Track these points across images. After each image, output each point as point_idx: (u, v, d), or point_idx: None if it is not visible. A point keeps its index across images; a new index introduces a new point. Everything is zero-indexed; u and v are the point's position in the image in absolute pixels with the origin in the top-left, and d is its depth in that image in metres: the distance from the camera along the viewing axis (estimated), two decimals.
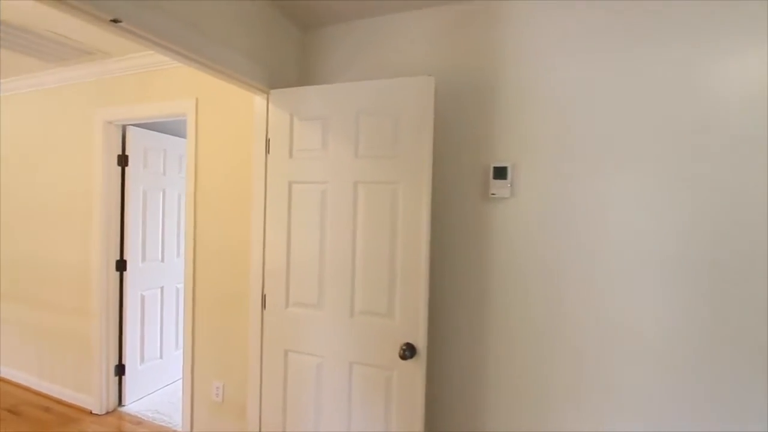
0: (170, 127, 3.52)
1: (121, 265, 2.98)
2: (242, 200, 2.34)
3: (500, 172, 1.75)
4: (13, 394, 3.14)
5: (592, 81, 1.62)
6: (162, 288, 3.30)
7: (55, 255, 3.13)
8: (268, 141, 1.94)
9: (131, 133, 2.97)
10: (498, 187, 1.75)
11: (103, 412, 2.90)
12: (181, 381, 3.36)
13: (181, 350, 3.49)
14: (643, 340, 1.55)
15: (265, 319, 1.94)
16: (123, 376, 3.02)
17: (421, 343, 1.63)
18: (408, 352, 1.61)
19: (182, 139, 3.43)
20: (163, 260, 3.29)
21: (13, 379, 3.35)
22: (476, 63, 1.81)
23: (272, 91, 1.92)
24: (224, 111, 2.40)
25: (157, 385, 3.26)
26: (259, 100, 1.98)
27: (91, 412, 2.90)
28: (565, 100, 1.67)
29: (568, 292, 1.66)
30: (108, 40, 2.42)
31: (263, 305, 1.95)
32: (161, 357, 3.31)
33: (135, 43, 1.57)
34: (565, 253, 1.66)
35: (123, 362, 3.01)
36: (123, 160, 2.96)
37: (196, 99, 2.48)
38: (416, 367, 1.63)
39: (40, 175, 3.19)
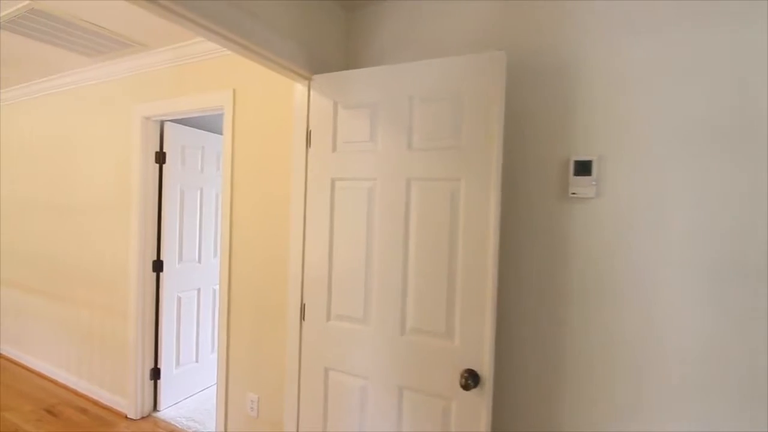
0: (208, 124, 3.42)
1: (157, 266, 2.89)
2: (280, 199, 2.16)
3: (583, 167, 1.45)
4: (53, 392, 3.13)
5: (697, 60, 1.30)
6: (198, 290, 3.20)
7: (94, 254, 3.08)
8: (309, 133, 1.74)
9: (169, 129, 2.87)
10: (580, 185, 1.46)
11: (138, 417, 2.81)
12: (215, 386, 3.25)
13: (217, 352, 3.38)
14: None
15: (303, 332, 1.74)
16: (158, 381, 2.92)
17: (486, 371, 1.37)
18: (471, 380, 1.35)
19: (220, 136, 3.31)
20: (199, 261, 3.19)
21: (54, 377, 3.35)
22: (553, 38, 1.53)
23: (314, 77, 1.71)
24: (262, 102, 2.23)
25: (192, 390, 3.16)
26: (299, 88, 1.78)
27: (126, 417, 2.82)
28: (667, 81, 1.35)
29: (664, 310, 1.35)
30: (145, 30, 2.31)
31: (302, 316, 1.75)
32: (197, 360, 3.21)
33: (174, 24, 1.41)
34: (659, 265, 1.35)
35: (158, 366, 2.92)
36: (160, 158, 2.87)
37: (233, 90, 2.32)
38: (480, 399, 1.37)
39: (81, 173, 3.16)
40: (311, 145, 1.73)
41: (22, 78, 3.29)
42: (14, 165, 3.75)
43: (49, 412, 2.83)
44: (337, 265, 1.66)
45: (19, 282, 3.69)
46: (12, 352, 3.77)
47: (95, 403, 3.00)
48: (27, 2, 1.94)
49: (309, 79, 1.73)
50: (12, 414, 2.77)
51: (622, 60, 1.42)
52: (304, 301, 1.75)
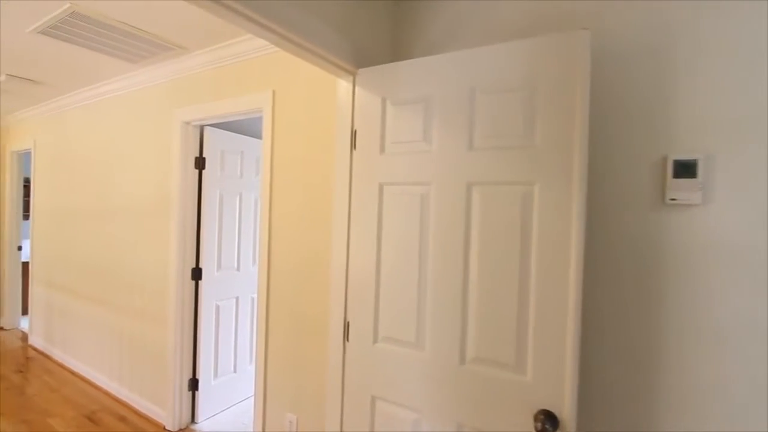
0: (247, 128, 3.35)
1: (196, 274, 2.82)
2: (322, 206, 2.01)
3: (686, 169, 1.20)
4: (95, 398, 3.13)
5: None
6: (237, 298, 3.11)
7: (135, 261, 3.07)
8: (353, 133, 1.57)
9: (208, 134, 2.81)
10: (681, 189, 1.20)
11: (176, 429, 2.73)
12: (253, 399, 3.15)
13: (254, 368, 3.29)
14: None
15: (347, 354, 1.56)
16: (196, 392, 2.85)
17: (567, 414, 1.13)
18: (548, 424, 1.12)
19: (259, 141, 3.23)
20: (238, 269, 3.10)
21: (97, 382, 3.37)
22: (643, 13, 1.29)
23: (360, 71, 1.55)
24: (303, 103, 2.09)
25: (229, 402, 3.07)
26: (343, 85, 1.62)
27: (164, 428, 2.76)
28: None
29: None
30: (184, 32, 2.24)
31: (345, 336, 1.58)
32: (235, 371, 3.12)
33: (229, 23, 1.29)
34: None
35: (197, 376, 2.84)
36: (200, 163, 2.81)
37: (273, 92, 2.21)
38: None
39: (124, 180, 3.17)
40: (356, 147, 1.56)
41: (72, 86, 3.35)
42: (66, 173, 3.84)
43: (89, 419, 2.81)
44: (385, 281, 1.47)
45: (70, 286, 3.76)
46: (60, 356, 3.85)
47: (135, 411, 2.96)
48: (68, 5, 1.90)
49: (354, 74, 1.57)
50: (55, 420, 2.77)
51: (741, 32, 1.16)
52: (347, 319, 1.58)
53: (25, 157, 4.89)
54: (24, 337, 4.54)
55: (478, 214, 1.28)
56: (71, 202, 3.76)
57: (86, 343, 3.53)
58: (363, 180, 1.53)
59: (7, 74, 3.07)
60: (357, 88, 1.57)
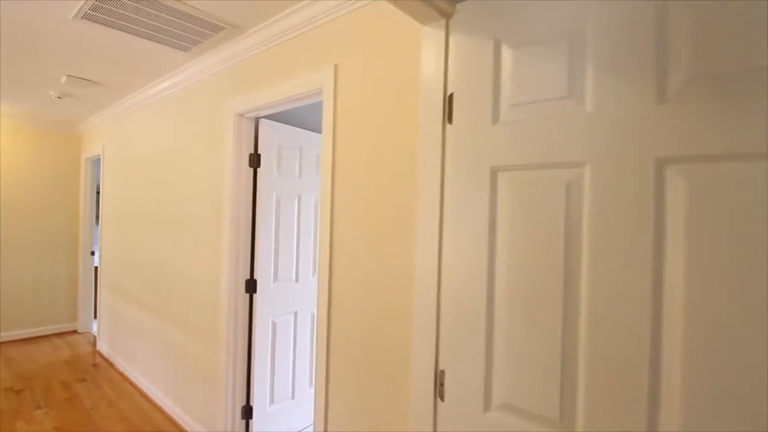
0: (305, 122, 2.99)
1: (251, 286, 2.49)
2: (401, 205, 1.55)
3: None
4: (149, 416, 2.91)
5: None
6: (295, 313, 2.75)
7: (188, 270, 2.81)
8: (448, 100, 1.10)
9: (264, 127, 2.48)
10: None
11: None
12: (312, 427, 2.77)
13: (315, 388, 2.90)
14: None
15: (442, 421, 1.08)
16: (251, 420, 2.51)
17: None
18: None
19: (320, 135, 2.87)
20: (297, 280, 2.74)
21: (153, 397, 3.17)
22: None
23: (461, 6, 1.07)
24: (372, 75, 1.65)
25: (288, 430, 2.70)
26: (432, 36, 1.15)
27: None
28: None
29: None
30: (236, 7, 1.91)
31: (437, 392, 1.09)
32: (293, 396, 2.75)
33: None
34: None
35: (251, 403, 2.50)
36: (255, 160, 2.48)
37: (335, 66, 1.79)
38: None
39: (176, 182, 2.94)
40: (452, 120, 1.09)
41: (129, 85, 3.21)
42: (126, 177, 3.75)
43: None
44: (502, 310, 0.97)
45: (130, 293, 3.65)
46: (122, 364, 3.75)
47: None
48: None
49: (449, 15, 1.09)
50: None
51: None
52: (440, 366, 1.09)
53: (96, 164, 4.98)
54: (93, 342, 4.56)
55: (682, 214, 0.75)
56: (130, 207, 3.65)
57: (144, 354, 3.37)
58: (463, 165, 1.05)
59: (67, 75, 2.98)
60: (453, 36, 1.09)
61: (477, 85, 1.03)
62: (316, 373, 1.85)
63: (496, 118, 1.00)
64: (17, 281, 4.57)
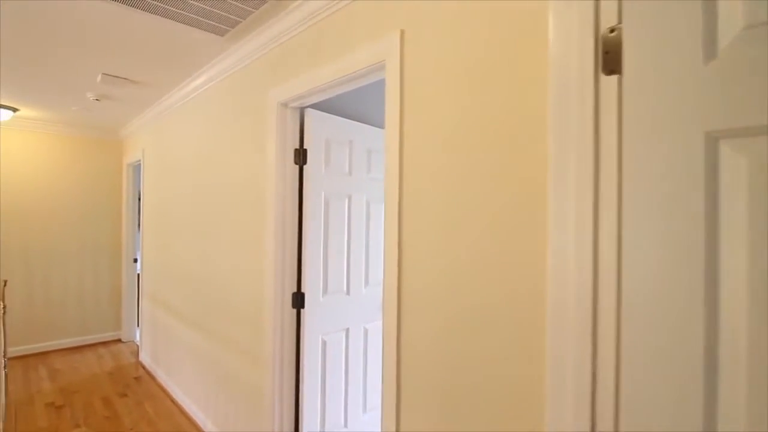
0: (353, 112, 2.67)
1: (298, 300, 2.19)
2: (506, 190, 1.17)
3: None
4: None
5: None
6: (347, 330, 2.42)
7: (228, 280, 2.55)
8: (605, 41, 0.72)
9: (310, 118, 2.17)
10: None
11: None
12: None
13: (370, 413, 2.56)
14: None
15: None
16: None
17: None
18: None
19: (370, 128, 2.53)
20: (348, 292, 2.41)
21: (194, 417, 2.93)
22: None
23: None
24: (453, 38, 1.29)
25: None
26: None
27: None
28: None
29: None
30: None
31: None
32: (345, 425, 2.42)
33: None
34: None
35: (300, 431, 2.19)
36: (301, 157, 2.18)
37: (400, 33, 1.45)
38: None
39: (215, 185, 2.69)
40: (621, 68, 0.70)
41: (166, 82, 3.00)
42: (165, 182, 3.57)
43: None
44: (742, 359, 0.58)
45: (170, 304, 3.45)
46: (164, 378, 3.56)
47: None
48: None
49: None
50: None
51: None
52: None
53: (138, 169, 4.90)
54: (136, 352, 4.45)
55: None
56: (168, 213, 3.46)
57: (184, 369, 3.15)
58: (639, 131, 0.67)
59: (102, 73, 2.80)
60: None
61: (672, 6, 0.64)
62: (383, 406, 1.50)
63: (711, 53, 0.61)
64: (62, 290, 4.53)
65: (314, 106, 2.25)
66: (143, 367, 3.99)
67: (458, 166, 1.26)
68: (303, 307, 2.17)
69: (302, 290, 2.18)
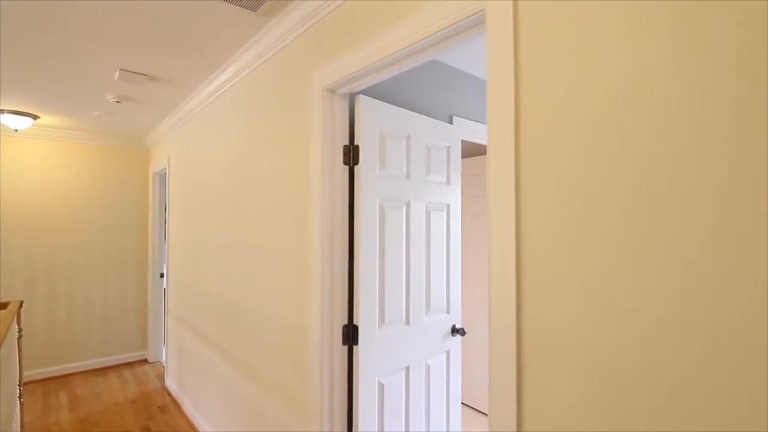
0: (409, 101, 2.23)
1: (350, 335, 1.75)
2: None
3: None
4: None
5: None
6: (407, 368, 1.97)
7: (263, 308, 2.14)
8: None
9: (363, 106, 1.75)
10: None
11: None
12: None
13: None
14: None
15: None
16: None
17: None
18: None
19: (430, 120, 2.09)
20: (407, 322, 1.96)
21: None
22: None
23: None
24: None
25: None
26: None
27: None
28: None
29: None
30: None
31: None
32: None
33: None
34: None
35: None
36: (351, 155, 1.75)
37: None
38: None
39: (246, 192, 2.30)
40: None
41: (190, 76, 2.65)
42: (191, 192, 3.23)
43: None
44: None
45: (198, 328, 3.09)
46: (189, 409, 3.19)
47: None
48: None
49: None
50: None
51: None
52: None
53: (164, 178, 4.62)
54: (162, 375, 4.11)
55: None
56: (196, 225, 3.11)
57: (213, 403, 2.76)
58: None
59: (120, 69, 2.48)
60: None
61: None
62: None
63: None
64: (86, 307, 4.26)
65: (366, 91, 1.83)
66: (169, 394, 3.64)
67: (625, 137, 0.79)
68: (356, 343, 1.73)
69: (355, 322, 1.74)
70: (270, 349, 2.06)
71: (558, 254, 0.90)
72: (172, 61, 2.36)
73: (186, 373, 3.31)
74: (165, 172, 4.33)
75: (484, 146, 3.33)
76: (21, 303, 3.06)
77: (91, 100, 3.08)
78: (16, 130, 3.59)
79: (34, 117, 3.58)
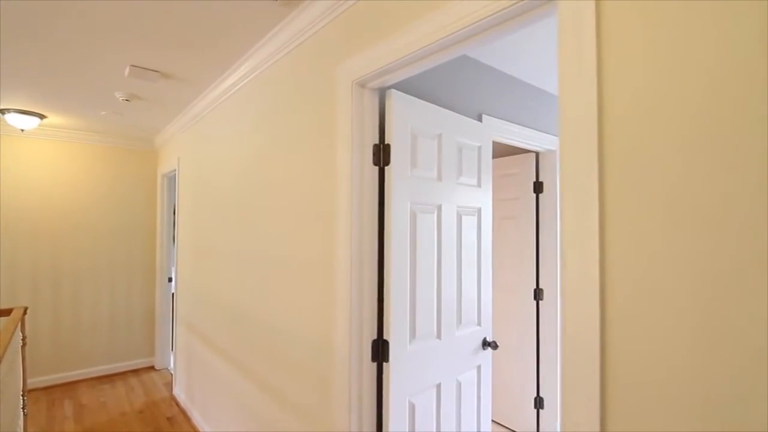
0: (438, 96, 2.09)
1: (380, 351, 1.60)
2: None
3: None
4: None
5: None
6: (438, 386, 1.82)
7: (283, 321, 2.00)
8: None
9: (395, 102, 1.61)
10: None
11: None
12: None
13: None
14: None
15: None
16: None
17: None
18: None
19: (462, 117, 1.95)
20: (439, 335, 1.81)
21: None
22: None
23: None
24: None
25: None
26: None
27: None
28: None
29: None
30: None
31: None
32: None
33: None
34: None
35: None
36: (382, 155, 1.61)
37: None
38: None
39: (264, 195, 2.17)
40: None
41: (203, 72, 2.53)
42: (202, 195, 3.10)
43: None
44: None
45: (208, 337, 2.95)
46: (199, 421, 3.05)
47: None
48: None
49: None
50: None
51: None
52: None
53: (173, 180, 4.50)
54: (170, 383, 3.98)
55: None
56: (207, 231, 2.98)
57: (224, 417, 2.62)
58: None
59: (131, 65, 2.35)
60: None
61: None
62: None
63: None
64: (92, 312, 4.14)
65: (397, 85, 1.70)
66: (177, 404, 3.51)
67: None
68: (387, 360, 1.58)
69: (385, 336, 1.59)
70: (288, 364, 1.92)
71: (660, 275, 0.75)
72: (185, 55, 2.24)
73: (195, 383, 3.18)
74: (174, 174, 4.21)
75: (511, 147, 3.18)
76: (25, 309, 2.94)
77: (100, 98, 2.97)
78: (22, 130, 3.49)
79: (41, 116, 3.47)
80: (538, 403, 2.90)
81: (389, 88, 1.63)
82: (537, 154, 2.93)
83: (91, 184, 4.16)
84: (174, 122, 3.63)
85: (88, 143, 4.12)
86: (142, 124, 3.73)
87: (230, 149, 2.61)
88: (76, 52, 2.17)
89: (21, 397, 2.87)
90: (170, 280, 4.53)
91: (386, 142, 1.60)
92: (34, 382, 3.83)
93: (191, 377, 3.27)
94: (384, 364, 1.59)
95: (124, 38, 2.02)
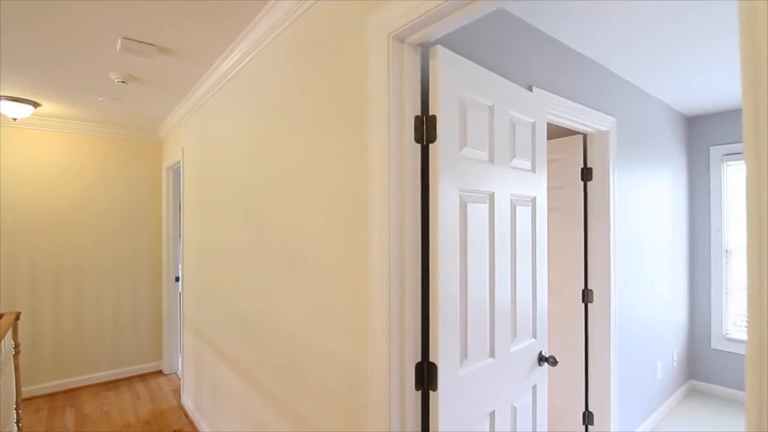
0: (479, 58, 1.73)
1: (426, 376, 1.28)
2: None
3: None
4: None
5: None
6: (491, 414, 1.48)
7: (305, 332, 1.68)
8: None
9: (440, 60, 1.26)
10: None
11: None
12: None
13: None
14: None
15: None
16: None
17: None
18: None
19: (517, 87, 1.60)
20: (492, 354, 1.48)
21: None
22: None
23: None
24: None
25: None
26: None
27: None
28: None
29: None
30: None
31: None
32: None
33: None
34: None
35: None
36: (426, 129, 1.28)
37: None
38: None
39: (279, 182, 1.85)
40: None
41: (205, 46, 2.21)
42: (208, 189, 2.80)
43: None
44: None
45: (217, 344, 2.66)
46: None
47: None
48: None
49: None
50: None
51: None
52: None
53: (178, 172, 4.21)
54: (178, 390, 3.72)
55: None
56: (215, 226, 2.68)
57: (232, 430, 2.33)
58: None
59: (123, 38, 2.05)
60: None
61: None
62: None
63: None
64: (95, 313, 3.88)
65: (442, 40, 1.35)
66: (186, 415, 3.24)
67: None
68: (435, 388, 1.25)
69: (431, 358, 1.27)
70: (309, 384, 1.61)
71: None
72: (183, 24, 1.92)
73: (204, 393, 2.90)
74: (179, 166, 3.93)
75: (554, 127, 2.81)
76: (17, 315, 2.67)
77: (95, 80, 2.67)
78: (14, 119, 3.22)
79: (35, 104, 3.20)
80: (587, 418, 2.56)
81: (434, 44, 1.29)
82: (584, 135, 2.56)
83: (92, 178, 3.89)
84: (177, 109, 3.33)
85: (87, 134, 3.85)
86: (143, 111, 3.44)
87: (238, 134, 2.29)
88: (65, 26, 1.86)
89: (15, 411, 2.62)
90: (177, 279, 4.26)
91: (431, 113, 1.27)
92: (33, 389, 3.60)
93: (200, 387, 2.99)
94: (431, 392, 1.27)
95: (113, 4, 1.71)
